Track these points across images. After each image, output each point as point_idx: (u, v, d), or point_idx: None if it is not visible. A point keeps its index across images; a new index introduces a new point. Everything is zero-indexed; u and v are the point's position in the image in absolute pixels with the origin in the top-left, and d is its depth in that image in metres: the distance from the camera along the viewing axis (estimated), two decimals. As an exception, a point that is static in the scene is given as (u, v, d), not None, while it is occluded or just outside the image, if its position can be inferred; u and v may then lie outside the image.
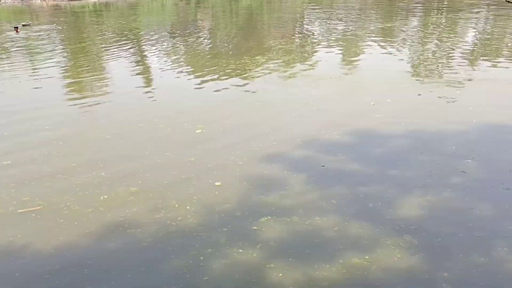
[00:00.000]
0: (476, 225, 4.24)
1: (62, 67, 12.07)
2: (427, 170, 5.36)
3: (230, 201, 4.74)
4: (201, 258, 3.80)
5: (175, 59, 12.63)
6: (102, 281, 3.59)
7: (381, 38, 14.82)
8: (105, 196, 4.91)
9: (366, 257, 3.78)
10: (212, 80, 10.38)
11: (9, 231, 4.29)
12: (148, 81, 10.71)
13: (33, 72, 11.34)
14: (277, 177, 5.28)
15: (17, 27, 16.62)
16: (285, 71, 10.80)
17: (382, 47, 13.03)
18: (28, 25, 17.98)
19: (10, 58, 12.95)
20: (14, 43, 14.93)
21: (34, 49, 14.01)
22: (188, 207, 4.63)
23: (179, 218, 4.42)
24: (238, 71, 10.71)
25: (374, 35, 15.33)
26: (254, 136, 6.67)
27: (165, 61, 12.11)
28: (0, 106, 8.37)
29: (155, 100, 9.02)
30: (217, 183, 5.15)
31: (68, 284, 3.58)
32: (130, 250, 3.97)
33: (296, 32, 17.26)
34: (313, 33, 16.45)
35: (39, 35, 16.20)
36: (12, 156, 6.06)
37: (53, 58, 12.66)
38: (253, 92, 9.30)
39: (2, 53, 13.50)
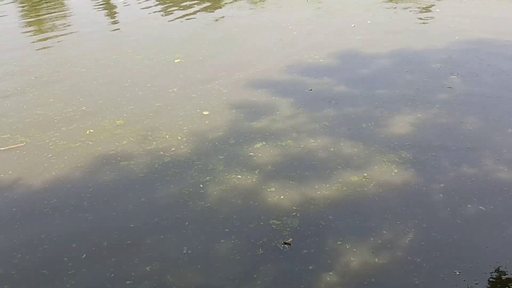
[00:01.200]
0: (467, 138, 4.32)
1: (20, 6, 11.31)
2: (414, 88, 5.37)
3: (221, 129, 4.65)
4: (201, 186, 3.76)
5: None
6: (103, 212, 3.52)
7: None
8: (90, 130, 4.74)
9: (364, 174, 3.81)
10: (181, 8, 9.95)
11: (-4, 170, 4.13)
12: (113, 15, 10.17)
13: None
14: (265, 103, 5.20)
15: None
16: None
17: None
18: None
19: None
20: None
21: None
22: (179, 137, 4.52)
23: (172, 149, 4.32)
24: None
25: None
26: (236, 63, 6.50)
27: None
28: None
29: (125, 33, 8.61)
30: (205, 112, 5.03)
31: (69, 216, 3.50)
32: (127, 181, 3.89)
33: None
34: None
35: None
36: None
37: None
38: (228, 17, 8.97)
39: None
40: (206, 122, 4.82)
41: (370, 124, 4.62)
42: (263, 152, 4.20)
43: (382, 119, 4.72)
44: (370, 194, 3.60)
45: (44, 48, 7.88)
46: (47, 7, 10.93)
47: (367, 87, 5.47)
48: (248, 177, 3.84)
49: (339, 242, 3.10)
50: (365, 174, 3.82)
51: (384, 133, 4.44)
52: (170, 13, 9.58)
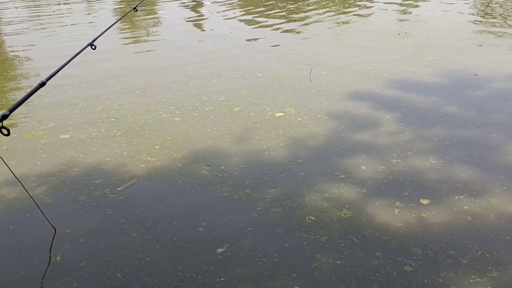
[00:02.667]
0: None
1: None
2: (536, 116, 4.71)
3: (320, 137, 4.28)
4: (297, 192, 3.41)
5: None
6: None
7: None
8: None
9: (483, 202, 3.27)
10: (264, 16, 9.78)
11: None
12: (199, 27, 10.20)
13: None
14: (368, 116, 4.76)
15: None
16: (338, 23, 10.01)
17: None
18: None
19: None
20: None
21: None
22: (276, 140, 4.21)
23: (266, 152, 4.01)
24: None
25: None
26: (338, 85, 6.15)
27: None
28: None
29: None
30: (299, 118, 4.69)
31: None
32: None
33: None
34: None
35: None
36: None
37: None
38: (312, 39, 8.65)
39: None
40: (305, 129, 4.45)
41: (485, 149, 4.05)
42: (365, 166, 3.75)
43: (499, 145, 4.12)
44: (493, 224, 3.05)
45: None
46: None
47: (481, 110, 4.87)
48: (349, 190, 3.40)
49: (459, 273, 2.60)
50: (484, 203, 3.27)
51: (501, 160, 3.85)
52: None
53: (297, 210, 3.12)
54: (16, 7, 11.28)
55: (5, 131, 1.61)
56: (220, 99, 5.25)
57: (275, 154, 3.95)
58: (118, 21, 4.19)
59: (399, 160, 3.79)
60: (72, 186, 3.62)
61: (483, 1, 10.84)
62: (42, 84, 2.04)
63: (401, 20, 9.24)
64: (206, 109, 4.96)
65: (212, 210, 3.20)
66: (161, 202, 3.33)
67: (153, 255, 2.82)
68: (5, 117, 1.67)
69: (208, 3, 11.41)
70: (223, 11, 10.52)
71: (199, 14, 10.60)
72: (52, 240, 3.00)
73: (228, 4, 11.33)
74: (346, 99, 5.17)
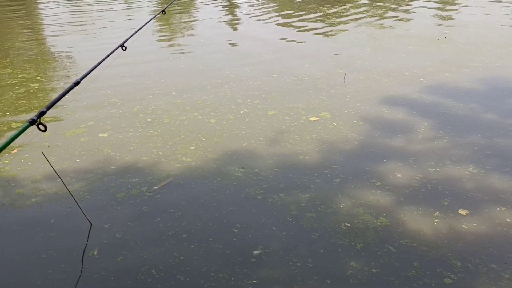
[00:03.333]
0: None
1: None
2: None
3: (354, 142, 4.24)
4: (332, 197, 3.38)
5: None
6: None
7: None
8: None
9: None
10: (296, 17, 9.75)
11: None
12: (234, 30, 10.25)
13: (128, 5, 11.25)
14: (403, 122, 4.69)
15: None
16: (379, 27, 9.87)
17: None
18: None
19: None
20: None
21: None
22: (309, 143, 4.19)
23: (301, 156, 4.00)
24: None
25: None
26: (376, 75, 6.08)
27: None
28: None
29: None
30: (334, 123, 4.66)
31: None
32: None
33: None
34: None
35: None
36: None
37: None
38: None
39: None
40: (340, 134, 4.42)
41: (526, 159, 3.92)
42: (401, 173, 3.69)
43: (542, 155, 3.99)
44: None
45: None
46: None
47: (521, 119, 4.73)
48: (386, 198, 3.34)
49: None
50: (522, 215, 3.17)
51: (545, 171, 3.73)
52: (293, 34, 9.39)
53: (332, 216, 3.10)
54: (59, 6, 11.62)
55: (42, 127, 1.71)
56: (255, 102, 5.26)
57: (310, 158, 3.94)
58: (146, 23, 4.22)
59: (437, 169, 3.72)
60: (110, 183, 3.70)
61: (526, 7, 10.51)
62: (77, 83, 2.11)
63: (441, 25, 9.06)
64: (241, 112, 4.98)
65: (246, 212, 3.21)
66: (196, 202, 3.37)
67: (187, 254, 2.85)
68: (42, 113, 1.77)
69: (245, 5, 11.47)
70: (259, 14, 10.55)
71: (235, 16, 10.67)
72: (88, 234, 3.08)
73: (264, 7, 11.37)
74: (382, 105, 5.10)
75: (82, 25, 10.05)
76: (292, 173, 3.69)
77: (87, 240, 3.03)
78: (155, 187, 3.60)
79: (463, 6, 10.76)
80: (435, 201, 3.26)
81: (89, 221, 3.17)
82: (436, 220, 3.05)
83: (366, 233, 2.91)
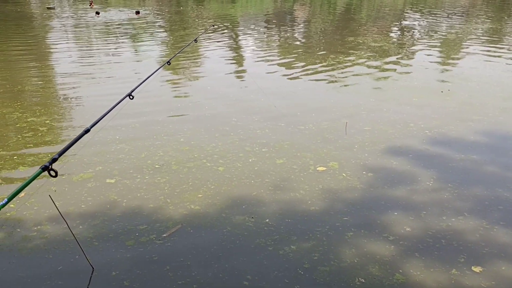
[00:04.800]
0: None
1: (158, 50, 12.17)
2: None
3: (356, 191, 4.23)
4: (329, 247, 3.33)
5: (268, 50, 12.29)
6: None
7: (491, 41, 13.55)
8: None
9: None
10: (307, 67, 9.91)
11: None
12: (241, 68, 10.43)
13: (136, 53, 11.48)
14: (404, 172, 4.69)
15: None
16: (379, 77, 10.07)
17: (492, 52, 11.80)
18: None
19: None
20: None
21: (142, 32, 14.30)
22: (315, 192, 4.17)
23: (303, 205, 3.97)
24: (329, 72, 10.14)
25: (482, 37, 14.05)
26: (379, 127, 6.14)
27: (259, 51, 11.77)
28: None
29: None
30: (343, 174, 4.66)
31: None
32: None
33: (393, 29, 16.33)
34: (412, 31, 15.46)
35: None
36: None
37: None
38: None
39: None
40: (350, 185, 4.40)
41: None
42: (414, 228, 3.65)
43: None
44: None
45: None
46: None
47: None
48: (401, 254, 3.27)
49: None
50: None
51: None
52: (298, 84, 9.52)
53: (346, 271, 3.04)
54: (71, 56, 11.85)
55: (53, 173, 1.76)
56: (263, 150, 5.28)
57: (320, 209, 3.91)
58: (152, 74, 4.29)
59: (449, 224, 3.68)
60: (117, 230, 3.65)
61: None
62: (87, 131, 2.16)
63: (443, 77, 9.22)
64: (250, 160, 4.99)
65: (257, 264, 3.15)
66: (207, 252, 3.31)
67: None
68: (54, 160, 1.79)
69: (247, 54, 11.72)
70: (265, 64, 10.77)
71: (240, 64, 10.88)
72: (89, 280, 3.02)
73: (269, 57, 11.60)
74: (389, 155, 5.11)
75: (91, 73, 10.24)
76: (303, 225, 3.65)
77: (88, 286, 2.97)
78: (164, 235, 3.55)
79: (465, 60, 11.00)
80: (451, 258, 3.21)
81: (91, 265, 3.12)
82: (455, 278, 2.98)
83: (381, 289, 2.85)
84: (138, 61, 11.23)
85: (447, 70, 10.03)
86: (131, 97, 3.26)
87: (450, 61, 11.01)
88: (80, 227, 3.69)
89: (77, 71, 9.97)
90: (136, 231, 3.61)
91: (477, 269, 3.09)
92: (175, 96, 8.23)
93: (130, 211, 3.98)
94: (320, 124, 6.21)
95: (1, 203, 1.50)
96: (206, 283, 2.97)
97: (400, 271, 3.03)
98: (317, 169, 4.75)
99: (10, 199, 1.53)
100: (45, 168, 1.71)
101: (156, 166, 4.90)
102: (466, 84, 8.54)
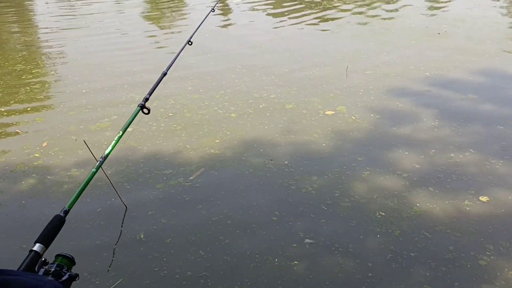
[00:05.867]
0: None
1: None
2: None
3: (363, 131, 4.46)
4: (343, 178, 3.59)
5: None
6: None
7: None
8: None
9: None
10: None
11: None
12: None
13: None
14: (408, 112, 4.92)
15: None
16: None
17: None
18: None
19: None
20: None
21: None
22: (319, 133, 4.38)
23: (312, 145, 4.20)
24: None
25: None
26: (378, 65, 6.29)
27: None
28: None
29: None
30: (352, 117, 4.86)
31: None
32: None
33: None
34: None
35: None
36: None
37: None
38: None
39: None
40: (360, 127, 4.60)
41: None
42: (425, 164, 3.90)
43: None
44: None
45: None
46: None
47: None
48: (416, 189, 3.51)
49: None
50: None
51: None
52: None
53: (366, 206, 3.30)
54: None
55: (146, 110, 2.02)
56: (271, 96, 5.43)
57: (335, 151, 4.13)
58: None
59: (457, 160, 3.93)
60: (145, 175, 3.85)
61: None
62: (164, 74, 2.38)
63: (439, 20, 9.29)
64: (260, 106, 5.15)
65: (283, 201, 3.39)
66: (234, 192, 3.54)
67: (233, 238, 3.04)
68: (147, 99, 2.07)
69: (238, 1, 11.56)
70: (257, 11, 10.68)
71: (228, 13, 10.78)
72: (124, 218, 3.26)
73: (259, 3, 11.48)
74: (393, 98, 5.30)
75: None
76: (320, 165, 3.88)
77: (132, 225, 3.20)
78: (191, 177, 3.77)
79: (459, 1, 11.03)
80: (463, 190, 3.48)
81: (125, 204, 3.35)
82: (467, 208, 3.27)
83: (401, 222, 3.12)
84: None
85: (442, 12, 10.09)
86: (190, 43, 3.39)
87: (444, 4, 11.02)
88: (109, 172, 3.88)
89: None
90: (163, 175, 3.81)
91: (484, 198, 3.38)
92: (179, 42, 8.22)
93: (152, 157, 4.16)
94: (323, 70, 6.34)
95: (107, 151, 1.68)
96: (237, 219, 3.21)
97: (418, 204, 3.30)
98: (326, 113, 4.94)
99: (115, 145, 1.72)
100: (142, 107, 1.99)
101: (170, 114, 5.04)
102: (462, 25, 8.65)
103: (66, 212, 1.30)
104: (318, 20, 9.40)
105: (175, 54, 2.88)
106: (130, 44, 7.85)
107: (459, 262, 2.73)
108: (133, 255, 2.95)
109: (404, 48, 7.31)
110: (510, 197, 3.40)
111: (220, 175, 3.80)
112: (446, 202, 3.31)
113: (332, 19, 9.50)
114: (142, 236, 3.12)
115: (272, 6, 10.85)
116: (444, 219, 3.13)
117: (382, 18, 9.50)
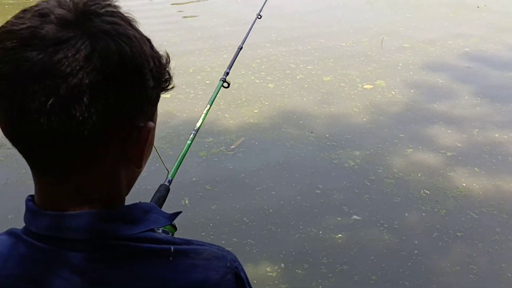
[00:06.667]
0: None
1: None
2: None
3: (401, 105, 4.42)
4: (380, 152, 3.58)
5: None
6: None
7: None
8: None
9: None
10: None
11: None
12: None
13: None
14: (448, 88, 4.85)
15: None
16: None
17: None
18: None
19: None
20: None
21: None
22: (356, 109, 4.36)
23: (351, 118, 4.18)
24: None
25: None
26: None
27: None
28: None
29: None
30: (392, 92, 4.80)
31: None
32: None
33: None
34: None
35: None
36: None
37: None
38: None
39: None
40: (400, 103, 4.56)
41: None
42: (445, 136, 3.90)
43: None
44: None
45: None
46: None
47: None
48: (462, 169, 3.50)
49: None
50: None
51: None
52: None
53: (411, 183, 3.30)
54: None
55: (226, 84, 2.05)
56: (308, 67, 5.38)
57: (376, 126, 4.10)
58: None
59: (501, 140, 3.89)
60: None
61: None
62: (241, 48, 2.40)
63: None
64: (297, 77, 5.11)
65: (326, 175, 3.41)
66: (275, 162, 3.57)
67: (277, 208, 3.08)
68: (227, 73, 2.13)
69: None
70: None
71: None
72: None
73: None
74: (433, 73, 5.21)
75: None
76: (362, 141, 3.87)
77: (177, 191, 3.25)
78: (232, 146, 3.80)
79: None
80: (509, 172, 3.46)
81: (167, 169, 3.38)
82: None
83: (446, 201, 3.12)
84: None
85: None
86: (259, 16, 3.36)
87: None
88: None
89: None
90: (205, 143, 3.84)
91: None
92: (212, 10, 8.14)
93: (192, 124, 4.17)
94: (360, 42, 6.23)
95: (198, 124, 1.71)
96: (281, 191, 3.25)
97: (463, 184, 3.29)
98: (364, 87, 4.89)
99: (204, 118, 1.76)
100: (224, 80, 2.05)
101: (207, 81, 5.04)
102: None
103: (170, 182, 1.39)
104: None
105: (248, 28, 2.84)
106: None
107: (506, 244, 2.74)
108: (179, 219, 3.01)
109: (442, 21, 7.12)
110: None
111: (261, 146, 3.81)
112: (493, 183, 3.29)
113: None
114: (187, 202, 3.18)
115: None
116: (491, 200, 3.12)
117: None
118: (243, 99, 4.65)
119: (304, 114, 4.32)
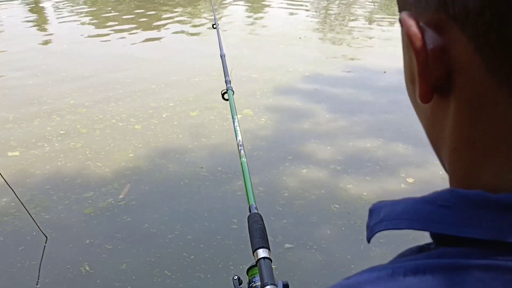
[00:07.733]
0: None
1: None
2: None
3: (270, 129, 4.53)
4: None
5: None
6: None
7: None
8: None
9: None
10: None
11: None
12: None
13: None
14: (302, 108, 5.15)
15: None
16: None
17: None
18: None
19: None
20: None
21: None
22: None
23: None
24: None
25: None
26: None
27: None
28: None
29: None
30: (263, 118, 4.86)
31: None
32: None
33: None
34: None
35: None
36: None
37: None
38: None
39: None
40: (262, 122, 4.64)
41: (410, 128, 4.58)
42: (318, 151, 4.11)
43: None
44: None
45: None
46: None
47: (391, 97, 5.52)
48: (326, 173, 3.67)
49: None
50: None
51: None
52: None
53: (320, 201, 3.32)
54: None
55: (226, 96, 1.94)
56: (170, 104, 5.15)
57: (264, 153, 4.05)
58: None
59: (375, 145, 4.21)
60: (64, 201, 3.32)
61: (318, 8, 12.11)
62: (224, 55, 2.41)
63: (296, 24, 9.89)
64: (163, 115, 4.84)
65: (237, 208, 3.20)
66: (177, 203, 3.26)
67: (198, 253, 2.80)
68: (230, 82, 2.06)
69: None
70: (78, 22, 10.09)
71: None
72: (43, 249, 2.77)
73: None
74: (290, 97, 5.45)
75: None
76: (256, 169, 3.73)
77: (78, 256, 2.73)
78: (121, 196, 3.35)
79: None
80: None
81: (44, 234, 2.86)
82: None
83: (357, 212, 3.22)
84: None
85: (295, 16, 10.76)
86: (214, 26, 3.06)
87: (295, 3, 11.80)
88: (12, 203, 3.24)
89: None
90: (86, 199, 3.33)
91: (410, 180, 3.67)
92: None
93: (59, 181, 3.61)
94: (208, 75, 6.24)
95: (239, 137, 1.62)
96: (197, 233, 2.96)
97: (364, 193, 3.44)
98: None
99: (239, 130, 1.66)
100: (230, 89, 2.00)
101: (61, 132, 4.44)
102: (319, 29, 9.34)
103: (256, 208, 1.31)
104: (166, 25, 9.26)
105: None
106: None
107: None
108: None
109: (276, 52, 7.60)
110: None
111: (154, 189, 3.46)
112: (384, 188, 3.50)
113: (198, 25, 9.46)
114: (87, 268, 2.66)
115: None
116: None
117: (246, 26, 9.77)
118: (112, 144, 4.20)
119: (185, 151, 4.08)
